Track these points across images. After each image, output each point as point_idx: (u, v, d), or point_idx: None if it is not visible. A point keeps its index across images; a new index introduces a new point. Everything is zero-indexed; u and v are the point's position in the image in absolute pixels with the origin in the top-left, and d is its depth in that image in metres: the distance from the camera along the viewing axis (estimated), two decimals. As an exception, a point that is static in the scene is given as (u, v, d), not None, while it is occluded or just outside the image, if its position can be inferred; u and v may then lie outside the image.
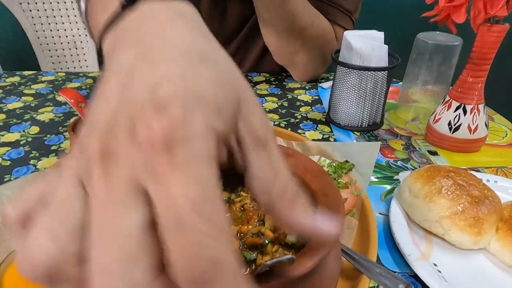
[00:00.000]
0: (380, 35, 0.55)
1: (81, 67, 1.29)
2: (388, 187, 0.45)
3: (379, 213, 0.40)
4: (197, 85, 0.15)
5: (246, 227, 0.27)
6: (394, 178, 0.46)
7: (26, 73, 0.78)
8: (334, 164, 0.42)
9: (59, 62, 1.26)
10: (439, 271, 0.32)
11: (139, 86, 0.14)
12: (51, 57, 1.24)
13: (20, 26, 1.17)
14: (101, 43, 0.23)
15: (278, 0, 0.59)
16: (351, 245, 0.34)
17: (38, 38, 1.20)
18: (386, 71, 0.52)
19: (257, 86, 0.75)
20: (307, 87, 0.75)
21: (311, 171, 0.30)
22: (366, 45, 0.51)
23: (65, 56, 1.26)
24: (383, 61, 0.53)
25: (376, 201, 0.42)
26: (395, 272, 0.33)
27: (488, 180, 0.42)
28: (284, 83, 0.77)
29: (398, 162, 0.50)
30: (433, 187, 0.36)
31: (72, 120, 0.38)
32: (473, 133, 0.50)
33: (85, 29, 1.12)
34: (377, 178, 0.46)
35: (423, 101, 0.63)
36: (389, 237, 0.36)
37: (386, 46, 0.52)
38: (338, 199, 0.26)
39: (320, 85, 0.75)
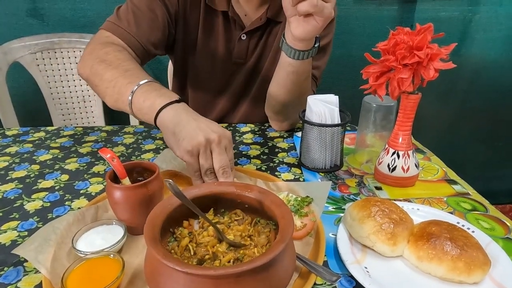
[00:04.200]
0: (335, 98, 0.72)
1: (88, 117, 1.44)
2: (341, 215, 0.59)
3: (332, 234, 0.54)
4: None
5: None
6: (342, 207, 0.61)
7: (49, 128, 0.93)
8: (298, 198, 0.56)
9: (69, 114, 1.42)
10: (368, 272, 0.46)
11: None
12: (61, 109, 1.40)
13: (35, 84, 1.34)
14: (160, 110, 0.59)
15: (307, 67, 0.76)
16: (308, 255, 0.48)
17: (51, 93, 1.37)
18: (340, 126, 0.69)
19: (244, 136, 0.91)
20: (284, 136, 0.91)
21: (275, 203, 0.45)
22: (322, 108, 0.68)
23: (74, 108, 1.42)
24: (336, 119, 0.69)
25: (330, 226, 0.56)
26: (338, 273, 0.47)
27: (413, 208, 0.58)
28: (266, 132, 0.93)
29: (351, 196, 0.65)
30: (365, 212, 0.50)
31: (108, 171, 0.52)
32: (406, 172, 0.66)
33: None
34: (333, 208, 0.61)
35: (376, 146, 0.79)
36: (337, 250, 0.50)
37: (337, 109, 0.69)
38: (290, 220, 0.41)
39: (295, 134, 0.92)
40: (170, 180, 0.41)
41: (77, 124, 1.42)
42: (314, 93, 0.90)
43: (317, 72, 0.90)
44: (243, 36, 0.89)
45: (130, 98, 0.63)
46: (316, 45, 0.74)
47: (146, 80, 0.64)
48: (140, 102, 0.62)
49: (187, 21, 0.88)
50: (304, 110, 0.74)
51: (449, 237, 0.46)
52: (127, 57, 0.72)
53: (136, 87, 0.63)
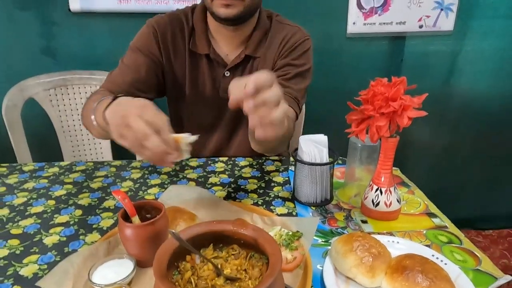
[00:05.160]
0: (324, 138, 0.79)
1: (96, 149, 1.53)
2: (328, 247, 0.65)
3: (320, 266, 0.60)
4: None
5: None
6: (329, 241, 0.67)
7: (63, 164, 1.01)
8: (289, 233, 0.63)
9: (78, 146, 1.50)
10: (350, 301, 0.52)
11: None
12: (71, 141, 1.48)
13: (48, 118, 1.42)
14: (103, 115, 0.62)
15: (279, 135, 0.62)
16: (296, 287, 0.54)
17: (62, 127, 1.46)
18: (328, 165, 0.76)
19: (243, 170, 0.98)
20: (280, 169, 0.98)
21: (267, 240, 0.51)
22: (312, 148, 0.75)
23: (83, 141, 1.50)
24: (325, 158, 0.77)
25: (319, 258, 0.63)
26: (323, 303, 0.53)
27: (393, 241, 0.64)
28: (263, 166, 1.00)
29: (338, 229, 0.71)
30: (348, 247, 0.57)
31: (120, 210, 0.59)
32: (389, 207, 0.72)
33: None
34: (322, 241, 0.67)
35: (364, 179, 0.86)
36: (323, 281, 0.56)
37: (326, 149, 0.76)
38: (279, 256, 0.47)
39: (290, 168, 0.99)
40: (173, 230, 0.48)
41: (86, 155, 1.50)
42: (297, 115, 0.96)
43: (299, 94, 0.96)
44: (227, 73, 0.99)
45: (93, 117, 0.71)
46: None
47: (98, 102, 0.71)
48: (98, 118, 0.69)
49: (173, 67, 1.00)
50: (296, 149, 0.81)
51: (421, 269, 0.52)
52: (103, 95, 0.81)
53: (95, 104, 0.71)
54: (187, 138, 0.59)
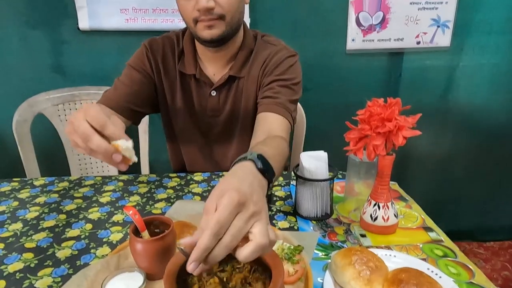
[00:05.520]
0: (324, 154, 0.83)
1: (102, 162, 1.56)
2: (329, 261, 0.68)
3: (320, 279, 0.63)
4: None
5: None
6: (329, 255, 0.70)
7: (72, 178, 1.05)
8: (291, 247, 0.66)
9: (84, 159, 1.54)
10: (348, 313, 0.55)
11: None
12: (78, 155, 1.52)
13: (56, 132, 1.47)
14: None
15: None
16: (298, 299, 0.57)
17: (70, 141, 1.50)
18: (327, 181, 0.79)
19: (245, 184, 1.01)
20: (282, 184, 1.02)
21: (270, 255, 0.54)
22: (312, 164, 0.79)
23: (90, 157, 1.54)
24: (325, 173, 0.80)
25: (319, 271, 0.65)
26: (324, 315, 0.55)
27: (390, 255, 0.67)
28: (265, 180, 1.04)
29: (338, 243, 0.74)
30: (347, 261, 0.60)
31: (131, 226, 0.62)
32: (387, 221, 0.75)
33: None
34: (323, 255, 0.70)
35: (363, 194, 0.89)
36: (323, 294, 0.59)
37: (325, 164, 0.80)
38: (281, 270, 0.50)
39: (292, 183, 1.02)
40: (182, 247, 0.51)
41: (92, 168, 1.54)
42: (292, 126, 0.99)
43: (290, 106, 0.98)
44: (213, 92, 1.04)
45: None
46: None
47: None
48: None
49: (163, 85, 1.06)
50: (298, 165, 0.84)
51: (416, 283, 0.55)
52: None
53: None
54: (123, 144, 0.61)
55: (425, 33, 1.66)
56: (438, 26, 1.66)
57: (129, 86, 1.01)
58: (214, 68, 1.04)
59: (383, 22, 1.63)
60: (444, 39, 1.68)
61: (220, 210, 0.42)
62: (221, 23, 0.89)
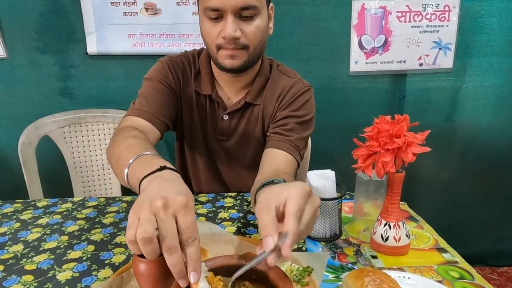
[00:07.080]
0: (332, 173, 0.81)
1: (105, 184, 1.55)
2: (339, 283, 0.65)
3: (331, 302, 0.60)
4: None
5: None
6: (340, 277, 0.67)
7: (75, 199, 1.03)
8: (300, 269, 0.63)
9: (88, 181, 1.53)
10: (363, 339, 0.51)
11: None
12: (82, 177, 1.51)
13: (61, 154, 1.47)
14: (140, 182, 0.57)
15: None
16: (309, 323, 0.54)
17: (74, 163, 1.49)
18: (335, 200, 0.77)
19: (251, 205, 0.99)
20: (288, 205, 0.99)
21: (278, 275, 0.52)
22: (320, 183, 0.77)
23: (93, 176, 1.53)
24: (333, 192, 0.78)
25: (330, 294, 0.62)
26: None
27: (404, 277, 0.64)
28: (271, 201, 1.02)
29: (349, 264, 0.71)
30: (359, 282, 0.57)
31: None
32: (398, 242, 0.73)
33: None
34: (333, 277, 0.67)
35: (372, 214, 0.87)
36: (335, 318, 0.56)
37: (334, 184, 0.78)
38: (291, 291, 0.48)
39: (298, 203, 1.00)
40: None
41: (95, 190, 1.53)
42: (299, 164, 0.98)
43: (300, 143, 0.97)
44: (225, 117, 1.02)
45: (125, 175, 0.65)
46: None
47: (136, 156, 0.64)
48: (131, 178, 0.63)
49: (182, 101, 1.04)
50: (305, 184, 0.83)
51: (434, 305, 0.52)
52: (132, 134, 0.77)
53: (131, 161, 0.63)
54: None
55: (427, 55, 1.68)
56: (440, 49, 1.68)
57: (156, 96, 0.96)
58: (229, 91, 1.03)
59: (385, 45, 1.66)
60: (446, 61, 1.70)
61: (298, 202, 0.52)
62: (243, 53, 0.89)
